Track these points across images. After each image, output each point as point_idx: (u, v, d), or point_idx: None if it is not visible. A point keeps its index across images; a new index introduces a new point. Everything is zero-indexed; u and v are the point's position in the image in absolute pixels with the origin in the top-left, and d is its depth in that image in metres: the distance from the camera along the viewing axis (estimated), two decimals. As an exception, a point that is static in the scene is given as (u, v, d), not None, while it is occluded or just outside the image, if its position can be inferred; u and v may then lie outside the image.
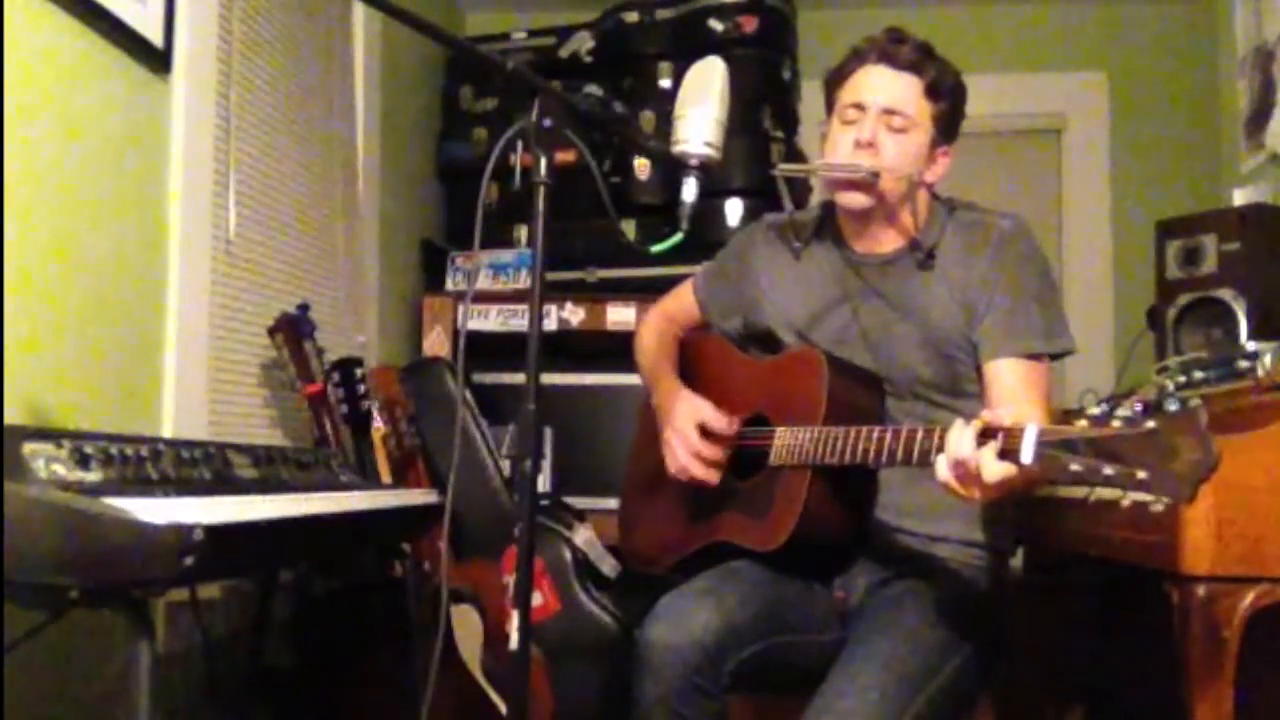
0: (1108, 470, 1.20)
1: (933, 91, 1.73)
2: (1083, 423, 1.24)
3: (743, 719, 1.93)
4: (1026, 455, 1.28)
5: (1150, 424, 1.18)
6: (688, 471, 1.78)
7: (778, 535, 1.65)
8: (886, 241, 1.79)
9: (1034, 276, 1.72)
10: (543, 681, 2.31)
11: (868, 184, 1.71)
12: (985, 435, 1.34)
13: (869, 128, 1.71)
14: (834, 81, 1.80)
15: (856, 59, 1.77)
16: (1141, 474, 1.18)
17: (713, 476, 1.77)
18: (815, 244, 1.88)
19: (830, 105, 1.82)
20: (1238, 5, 2.94)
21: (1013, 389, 1.66)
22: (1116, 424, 1.20)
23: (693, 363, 2.00)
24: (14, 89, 1.59)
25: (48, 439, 1.26)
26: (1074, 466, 1.23)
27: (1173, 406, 1.17)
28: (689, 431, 1.77)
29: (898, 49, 1.73)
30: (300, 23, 2.61)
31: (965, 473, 1.35)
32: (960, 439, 1.35)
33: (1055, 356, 1.71)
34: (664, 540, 1.91)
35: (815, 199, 3.14)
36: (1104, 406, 1.23)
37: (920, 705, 1.54)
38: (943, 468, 1.37)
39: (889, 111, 1.72)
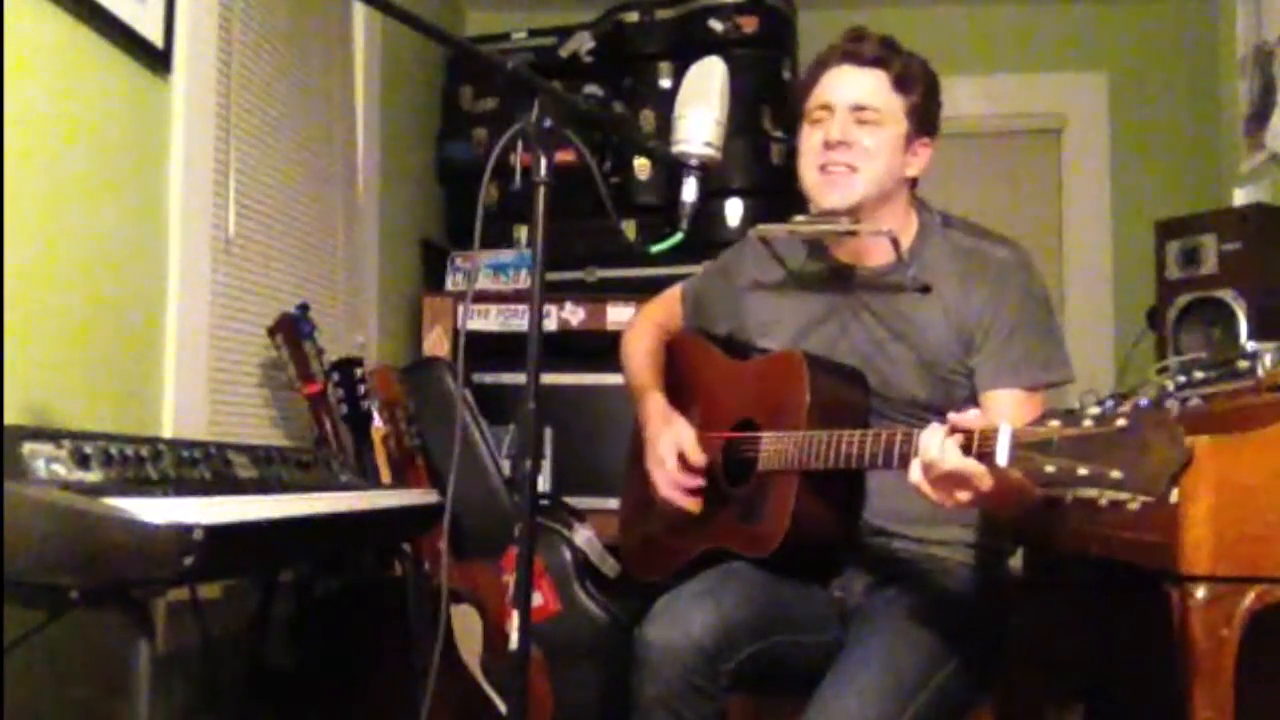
0: (1082, 470, 1.20)
1: (901, 83, 1.71)
2: (1055, 422, 1.23)
3: (741, 719, 1.93)
4: (1002, 457, 1.27)
5: (1120, 422, 1.18)
6: (672, 503, 1.81)
7: (770, 542, 1.65)
8: (875, 250, 1.77)
9: (1033, 308, 1.70)
10: (543, 681, 2.31)
11: (847, 183, 1.70)
12: (959, 436, 1.33)
13: (838, 127, 1.70)
14: (801, 91, 1.79)
15: (820, 65, 1.77)
16: (1115, 473, 1.18)
17: (695, 506, 1.80)
18: (803, 257, 1.87)
19: (800, 117, 1.80)
20: (1238, 5, 2.93)
21: (1008, 418, 1.65)
22: (1088, 422, 1.20)
23: (678, 369, 2.00)
24: (14, 89, 1.59)
25: (48, 439, 1.26)
26: (1049, 468, 1.22)
27: (1143, 402, 1.17)
28: (670, 463, 1.80)
29: (859, 46, 1.73)
30: (300, 23, 2.61)
31: (937, 475, 1.34)
32: (932, 440, 1.35)
33: (1052, 386, 1.70)
34: (663, 549, 1.92)
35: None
36: (1104, 406, 1.23)
37: (918, 707, 1.54)
38: (915, 470, 1.36)
39: (857, 108, 1.70)
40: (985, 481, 1.33)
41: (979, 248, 1.74)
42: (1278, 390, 1.64)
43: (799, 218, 1.82)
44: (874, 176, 1.71)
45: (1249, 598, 1.41)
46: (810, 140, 1.75)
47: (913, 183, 1.80)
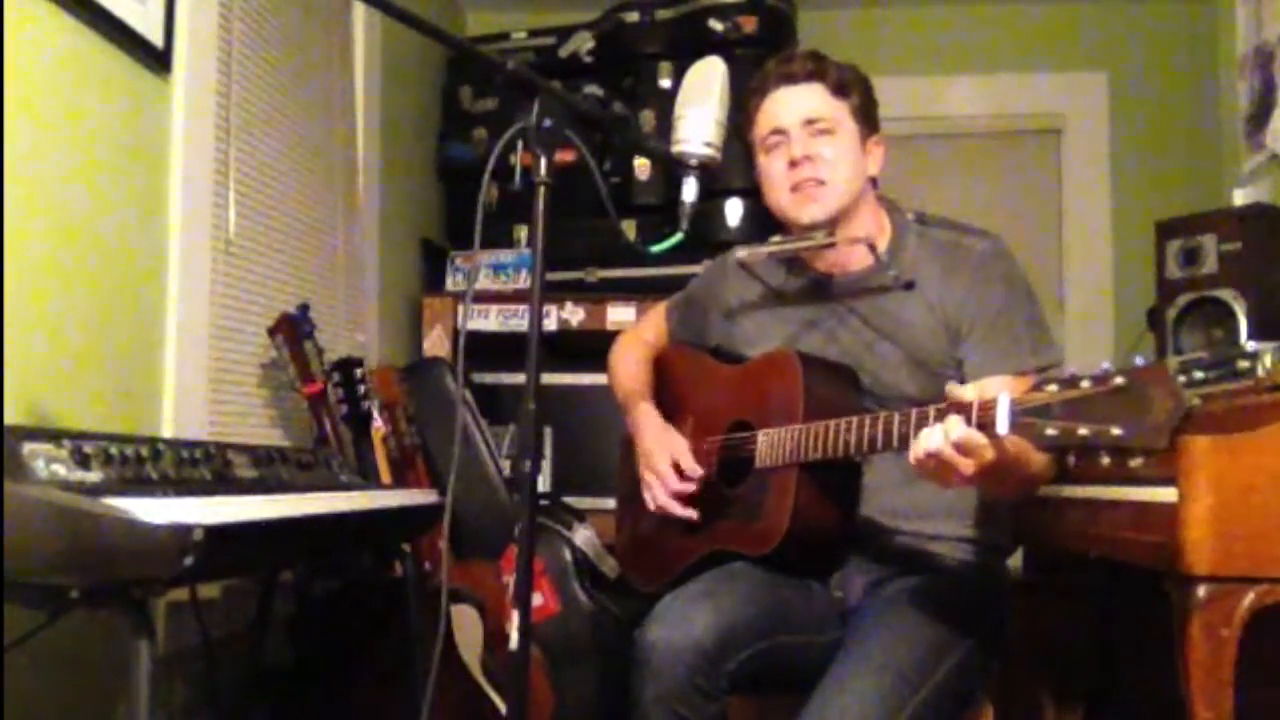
0: (1083, 431, 1.20)
1: (839, 89, 1.76)
2: (1052, 387, 1.24)
3: (742, 719, 1.93)
4: (1002, 426, 1.28)
5: (1118, 379, 1.18)
6: (667, 511, 1.82)
7: (771, 538, 1.65)
8: (854, 257, 1.79)
9: (1017, 295, 1.72)
10: (543, 681, 2.31)
11: (821, 194, 1.73)
12: (957, 412, 1.33)
13: (798, 145, 1.74)
14: (745, 124, 1.83)
15: (757, 94, 1.80)
16: (1116, 430, 1.18)
17: (692, 514, 1.81)
18: (783, 274, 1.89)
19: (750, 147, 1.84)
20: (1238, 5, 2.93)
21: None
22: (1085, 384, 1.21)
23: (669, 378, 2.01)
24: (14, 89, 1.59)
25: (48, 439, 1.26)
26: (1049, 431, 1.23)
27: (1138, 360, 1.18)
28: (666, 472, 1.82)
29: (790, 66, 1.77)
30: (300, 23, 2.61)
31: (940, 463, 1.34)
32: (931, 432, 1.35)
33: (1042, 370, 1.70)
34: (662, 556, 1.92)
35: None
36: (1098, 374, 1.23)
37: (916, 704, 1.54)
38: (921, 446, 1.36)
39: (809, 121, 1.75)
40: (988, 453, 1.32)
41: (957, 241, 1.77)
42: (1278, 390, 1.64)
43: (776, 238, 1.85)
44: (844, 182, 1.75)
45: (1249, 598, 1.41)
46: (773, 167, 1.79)
47: (874, 182, 1.83)
